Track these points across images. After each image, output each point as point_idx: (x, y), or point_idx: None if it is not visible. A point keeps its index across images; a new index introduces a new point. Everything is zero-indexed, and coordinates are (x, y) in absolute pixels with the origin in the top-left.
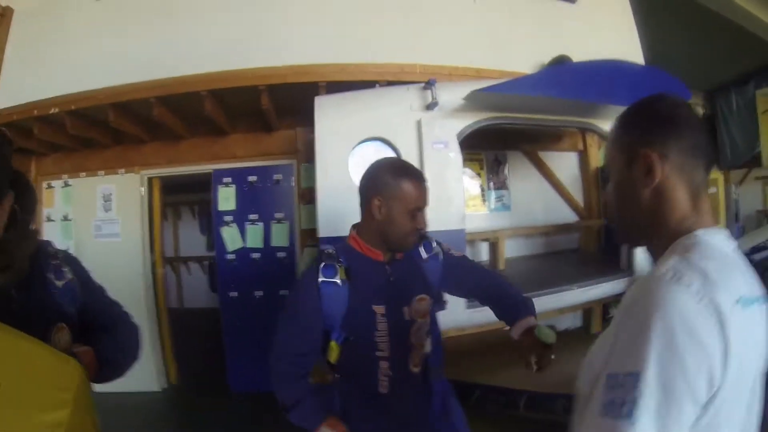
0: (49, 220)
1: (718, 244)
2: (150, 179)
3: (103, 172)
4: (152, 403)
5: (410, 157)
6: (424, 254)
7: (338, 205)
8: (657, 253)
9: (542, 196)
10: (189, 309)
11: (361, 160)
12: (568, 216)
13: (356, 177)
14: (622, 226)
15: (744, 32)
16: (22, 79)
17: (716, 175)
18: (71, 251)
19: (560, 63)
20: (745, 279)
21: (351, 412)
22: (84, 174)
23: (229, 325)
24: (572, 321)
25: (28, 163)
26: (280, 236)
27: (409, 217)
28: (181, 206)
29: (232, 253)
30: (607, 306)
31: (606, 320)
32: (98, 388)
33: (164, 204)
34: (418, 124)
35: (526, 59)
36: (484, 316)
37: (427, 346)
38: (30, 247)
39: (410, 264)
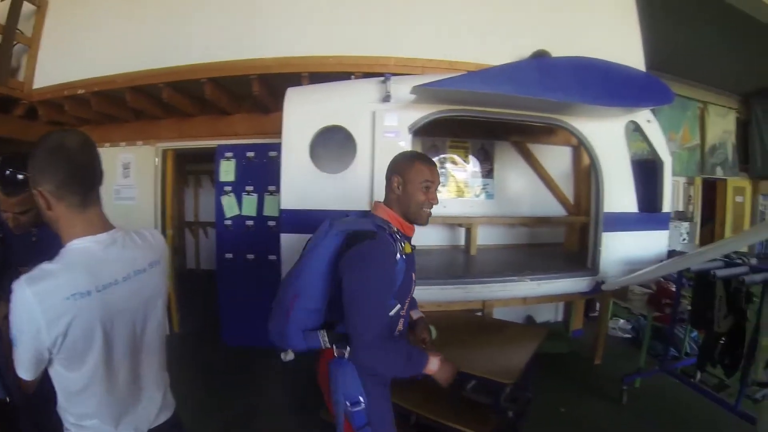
0: None
1: (85, 248)
2: (164, 151)
3: (124, 143)
4: None
5: (364, 144)
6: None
7: (299, 183)
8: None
9: (530, 188)
10: (205, 270)
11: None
12: (557, 210)
13: (314, 159)
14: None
15: None
16: (55, 63)
17: (744, 183)
18: None
19: (539, 58)
20: (85, 275)
21: (368, 386)
22: (108, 144)
23: (224, 284)
24: (553, 314)
25: None
26: (271, 207)
27: (422, 190)
28: (202, 175)
29: (229, 219)
30: (590, 303)
31: (588, 317)
32: None
33: (186, 172)
34: (373, 114)
35: (508, 52)
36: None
37: None
38: None
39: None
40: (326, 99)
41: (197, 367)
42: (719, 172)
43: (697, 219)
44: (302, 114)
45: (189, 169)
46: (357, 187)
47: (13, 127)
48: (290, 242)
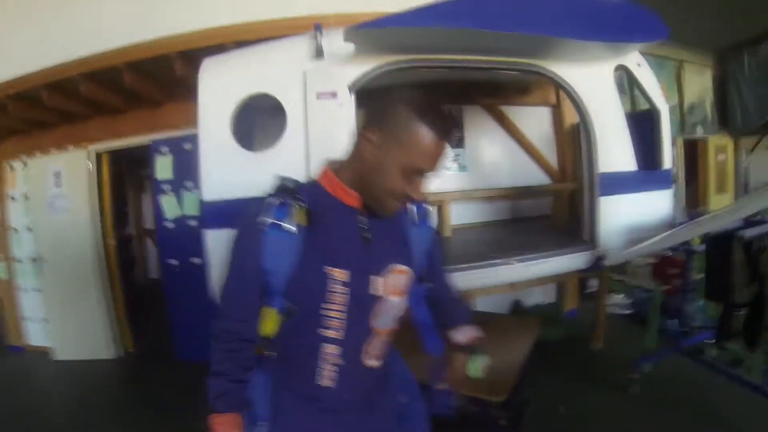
0: (13, 199)
1: None
2: (98, 154)
3: (55, 150)
4: (103, 371)
5: (295, 111)
6: (415, 218)
7: (223, 167)
8: None
9: (507, 155)
10: None
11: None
12: (540, 178)
13: (239, 138)
14: None
15: None
16: None
17: (726, 141)
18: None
19: None
20: None
21: (281, 406)
22: (39, 153)
23: (171, 293)
24: (543, 296)
25: None
26: None
27: (404, 175)
28: None
29: (172, 221)
30: (583, 281)
31: (582, 294)
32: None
33: (141, 177)
34: (304, 75)
35: None
36: None
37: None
38: None
39: (394, 223)
40: (248, 64)
41: (146, 388)
42: (699, 131)
43: (681, 180)
44: (221, 85)
45: (142, 174)
46: (289, 165)
47: None
48: (218, 240)
